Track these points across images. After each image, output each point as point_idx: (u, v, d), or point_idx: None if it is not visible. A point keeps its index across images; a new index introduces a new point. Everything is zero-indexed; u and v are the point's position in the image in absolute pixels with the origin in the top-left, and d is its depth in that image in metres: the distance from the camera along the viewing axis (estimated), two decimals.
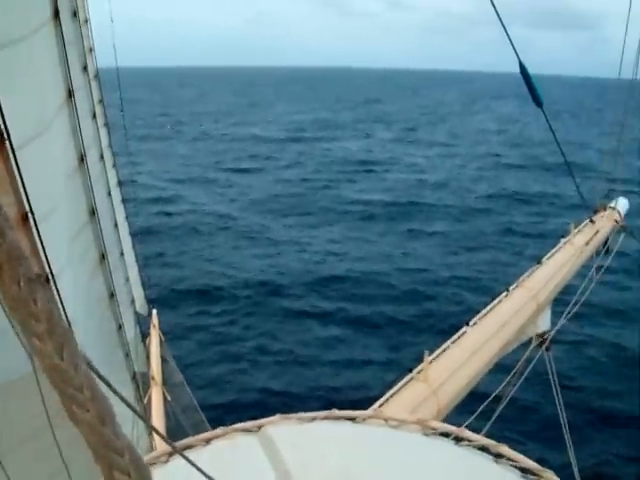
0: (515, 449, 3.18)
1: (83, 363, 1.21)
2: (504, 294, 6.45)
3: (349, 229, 30.26)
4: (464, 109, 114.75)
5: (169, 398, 7.65)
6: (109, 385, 1.58)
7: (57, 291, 2.44)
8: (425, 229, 30.31)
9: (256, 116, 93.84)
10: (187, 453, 3.05)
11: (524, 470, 3.02)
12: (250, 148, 59.21)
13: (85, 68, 3.90)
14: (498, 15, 4.91)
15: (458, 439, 3.30)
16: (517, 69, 5.66)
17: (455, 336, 5.52)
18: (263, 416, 3.47)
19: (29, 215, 2.04)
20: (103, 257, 3.92)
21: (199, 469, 2.01)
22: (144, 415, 6.15)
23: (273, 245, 27.71)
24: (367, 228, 30.58)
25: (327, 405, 3.71)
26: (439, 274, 23.67)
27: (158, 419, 7.00)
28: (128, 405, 1.66)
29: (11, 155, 1.88)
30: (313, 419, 3.46)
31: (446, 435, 3.38)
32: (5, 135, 1.84)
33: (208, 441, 3.21)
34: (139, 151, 48.03)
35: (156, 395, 7.43)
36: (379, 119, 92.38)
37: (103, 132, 6.34)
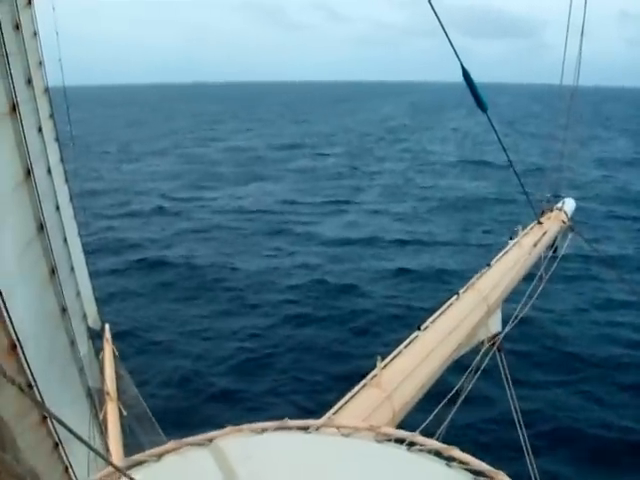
0: (468, 451, 3.21)
1: None
2: (454, 297, 6.52)
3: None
4: (413, 125, 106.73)
5: (125, 413, 7.56)
6: (56, 418, 1.57)
7: (6, 310, 2.42)
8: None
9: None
10: (138, 469, 3.02)
11: (476, 472, 3.04)
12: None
13: (30, 81, 3.85)
14: (439, 20, 4.98)
15: (410, 444, 3.32)
16: (456, 77, 5.72)
17: (407, 341, 5.56)
18: (215, 421, 3.44)
19: None
20: (53, 272, 3.87)
21: None
22: (101, 430, 6.08)
23: None
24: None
25: (280, 415, 3.70)
26: None
27: (114, 435, 6.91)
28: (73, 433, 1.65)
29: None
30: (265, 430, 3.45)
31: (399, 441, 3.39)
32: None
33: (160, 456, 3.17)
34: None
35: (111, 410, 7.32)
36: (309, 144, 78.91)
37: (53, 147, 6.23)
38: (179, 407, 14.82)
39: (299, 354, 18.37)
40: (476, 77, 5.88)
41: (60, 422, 1.59)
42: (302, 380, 16.62)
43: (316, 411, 4.34)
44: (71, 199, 7.16)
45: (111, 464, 2.36)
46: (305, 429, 3.53)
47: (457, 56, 5.53)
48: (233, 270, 26.26)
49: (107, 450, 6.13)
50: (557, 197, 10.02)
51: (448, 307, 6.31)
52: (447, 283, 22.95)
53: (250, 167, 57.91)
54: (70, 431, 1.62)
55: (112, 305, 19.91)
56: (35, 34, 5.37)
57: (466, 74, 5.80)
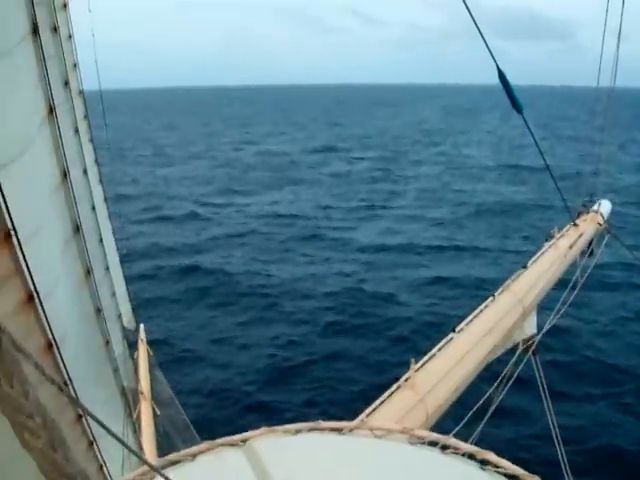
0: (503, 456, 3.18)
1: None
2: (490, 299, 6.49)
3: None
4: (449, 128, 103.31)
5: (158, 412, 7.61)
6: (94, 418, 1.58)
7: (43, 310, 2.45)
8: None
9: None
10: (173, 469, 3.04)
11: (511, 476, 3.02)
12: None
13: (67, 83, 3.90)
14: (475, 22, 4.96)
15: (444, 447, 3.30)
16: (490, 79, 5.71)
17: (441, 343, 5.53)
18: (247, 420, 3.46)
19: (12, 233, 2.04)
20: (89, 272, 3.91)
21: None
22: (134, 429, 6.13)
23: None
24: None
25: (312, 410, 3.70)
26: None
27: (148, 434, 6.96)
28: (112, 434, 1.65)
29: None
30: (298, 431, 3.46)
31: (432, 443, 3.38)
32: None
33: (194, 456, 3.19)
34: None
35: (145, 410, 7.39)
36: (344, 148, 77.20)
37: (88, 148, 6.32)
38: (212, 416, 14.72)
39: (335, 363, 18.23)
40: (511, 79, 5.87)
41: (97, 421, 1.60)
42: (338, 390, 16.47)
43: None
44: (105, 199, 7.24)
45: (147, 463, 2.37)
46: (339, 431, 3.54)
47: (493, 57, 5.54)
48: (268, 276, 26.16)
49: (140, 449, 6.18)
50: (592, 201, 9.89)
51: (483, 309, 6.27)
52: (486, 291, 22.03)
53: (284, 171, 57.58)
54: (107, 430, 1.63)
55: (145, 311, 20.06)
56: (70, 37, 5.45)
57: (502, 75, 5.82)
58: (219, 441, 3.31)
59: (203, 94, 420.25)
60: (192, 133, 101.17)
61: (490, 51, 5.40)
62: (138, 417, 6.97)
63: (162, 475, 2.00)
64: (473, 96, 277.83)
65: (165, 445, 7.12)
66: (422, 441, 3.40)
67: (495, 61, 5.57)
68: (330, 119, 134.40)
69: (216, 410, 15.24)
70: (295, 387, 16.73)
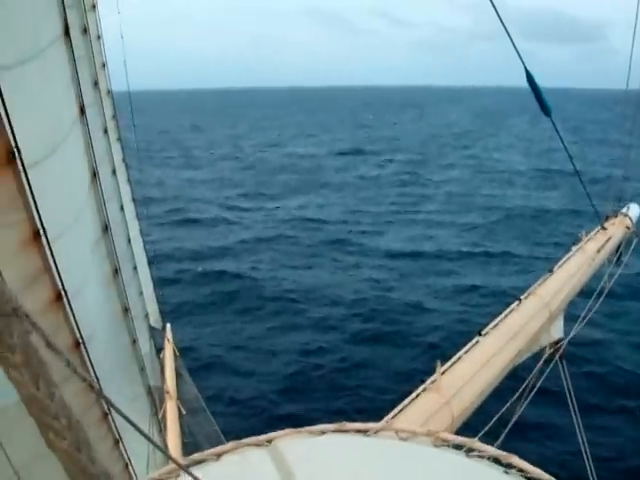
0: (527, 460, 3.17)
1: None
2: (516, 303, 6.44)
3: None
4: (478, 131, 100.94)
5: (184, 412, 7.64)
6: (125, 417, 1.60)
7: (71, 308, 2.47)
8: None
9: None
10: (198, 468, 3.05)
11: None
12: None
13: (96, 84, 3.94)
14: (503, 23, 4.93)
15: (469, 450, 3.29)
16: (516, 82, 5.67)
17: (467, 346, 5.50)
18: (274, 430, 3.46)
19: (41, 232, 2.07)
20: (117, 272, 3.94)
21: None
22: (160, 428, 6.17)
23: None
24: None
25: (339, 418, 3.69)
26: None
27: (173, 433, 7.00)
28: (141, 432, 1.67)
29: (22, 173, 1.91)
30: (323, 432, 3.46)
31: (457, 447, 3.37)
32: (16, 153, 1.87)
33: (219, 456, 3.20)
34: None
35: (171, 409, 7.42)
36: (372, 150, 75.24)
37: (116, 147, 6.36)
38: (237, 423, 14.44)
39: (364, 371, 18.04)
40: (538, 81, 5.82)
41: (126, 418, 1.62)
42: (366, 398, 16.21)
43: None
44: (133, 199, 7.27)
45: (174, 461, 2.39)
46: (364, 432, 3.54)
47: (521, 59, 5.50)
48: (295, 282, 25.94)
49: (166, 448, 6.20)
50: (621, 205, 9.76)
51: (509, 313, 6.23)
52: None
53: (312, 174, 57.10)
54: (136, 427, 1.65)
55: (171, 316, 20.00)
56: (99, 37, 5.49)
57: (530, 78, 5.77)
58: (244, 441, 3.32)
59: (231, 96, 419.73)
60: (219, 135, 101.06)
61: (518, 53, 5.37)
62: (164, 416, 7.00)
63: (189, 473, 2.02)
64: (501, 98, 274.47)
65: (190, 444, 7.13)
66: (447, 444, 3.39)
67: (523, 63, 5.54)
68: (357, 121, 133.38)
69: (242, 417, 15.04)
70: (323, 395, 16.53)
